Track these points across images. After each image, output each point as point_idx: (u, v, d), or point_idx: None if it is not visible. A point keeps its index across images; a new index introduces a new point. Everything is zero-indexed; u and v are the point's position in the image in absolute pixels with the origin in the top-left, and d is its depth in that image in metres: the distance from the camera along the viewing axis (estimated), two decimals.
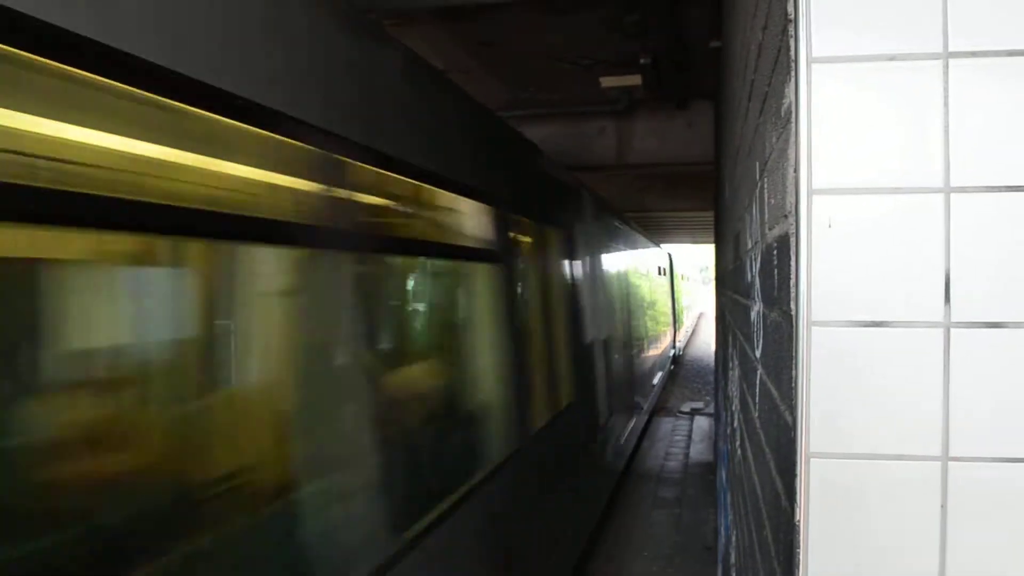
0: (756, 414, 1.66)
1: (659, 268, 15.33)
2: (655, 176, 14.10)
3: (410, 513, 1.97)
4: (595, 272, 5.40)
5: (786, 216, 1.10)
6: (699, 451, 11.16)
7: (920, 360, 0.92)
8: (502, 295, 2.91)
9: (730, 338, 3.45)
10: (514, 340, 3.01)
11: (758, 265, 1.64)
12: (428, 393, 2.40)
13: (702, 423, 13.30)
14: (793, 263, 1.02)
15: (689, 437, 12.21)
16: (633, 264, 9.26)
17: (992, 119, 0.91)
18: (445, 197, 2.49)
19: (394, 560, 1.80)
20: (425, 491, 2.16)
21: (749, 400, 1.96)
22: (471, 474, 2.51)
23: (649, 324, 10.81)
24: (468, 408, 2.72)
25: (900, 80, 0.93)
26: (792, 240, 1.03)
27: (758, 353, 1.64)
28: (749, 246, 1.95)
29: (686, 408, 15.11)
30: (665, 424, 13.51)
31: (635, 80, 7.22)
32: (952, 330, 0.92)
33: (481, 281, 2.81)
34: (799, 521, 0.96)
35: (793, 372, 1.01)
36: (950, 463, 0.92)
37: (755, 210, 1.70)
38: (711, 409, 13.54)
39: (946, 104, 0.92)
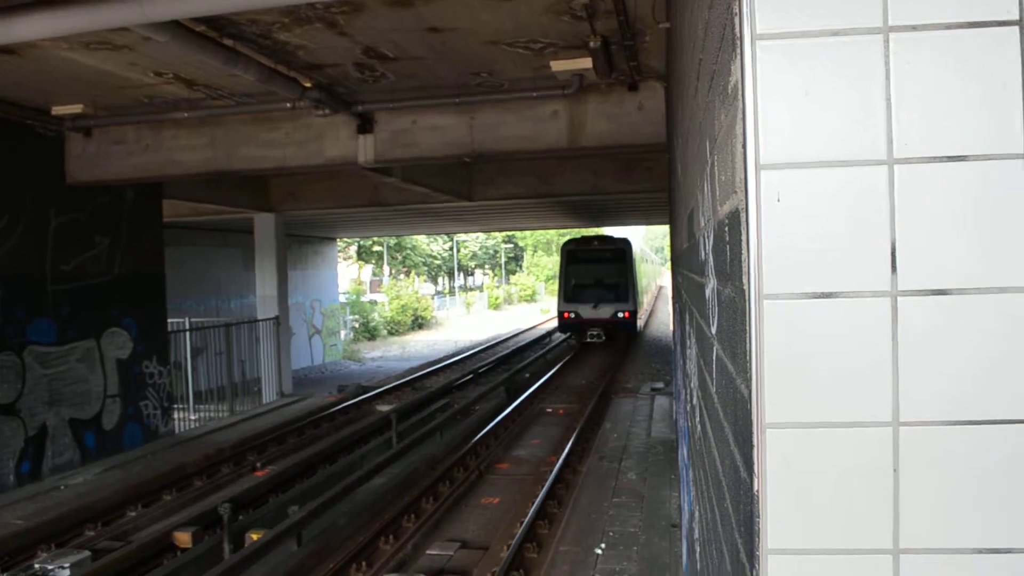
0: (714, 389, 1.68)
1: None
2: (608, 158, 14.17)
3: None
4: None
5: (736, 192, 1.11)
6: (660, 430, 11.31)
7: (869, 329, 0.94)
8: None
9: (687, 317, 3.48)
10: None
11: (711, 242, 1.65)
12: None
13: (663, 403, 13.48)
14: (744, 238, 1.03)
15: (650, 418, 12.37)
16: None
17: (933, 91, 0.93)
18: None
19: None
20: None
21: (707, 376, 1.99)
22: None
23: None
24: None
25: (843, 55, 0.94)
26: (742, 216, 1.04)
27: (713, 330, 1.66)
28: (702, 224, 1.97)
29: (646, 388, 15.30)
30: (626, 404, 13.68)
31: (585, 64, 7.21)
32: (899, 299, 0.94)
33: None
34: (758, 491, 0.97)
35: (747, 346, 1.02)
36: (901, 428, 0.94)
37: (707, 187, 1.72)
38: (672, 388, 13.71)
39: (888, 77, 0.93)
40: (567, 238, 27.52)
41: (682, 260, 4.14)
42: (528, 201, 16.25)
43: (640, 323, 26.53)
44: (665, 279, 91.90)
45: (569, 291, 22.04)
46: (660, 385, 15.48)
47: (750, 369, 1.00)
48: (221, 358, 14.24)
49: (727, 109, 1.19)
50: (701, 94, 1.85)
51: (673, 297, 8.45)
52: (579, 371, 19.17)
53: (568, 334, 23.43)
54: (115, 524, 7.79)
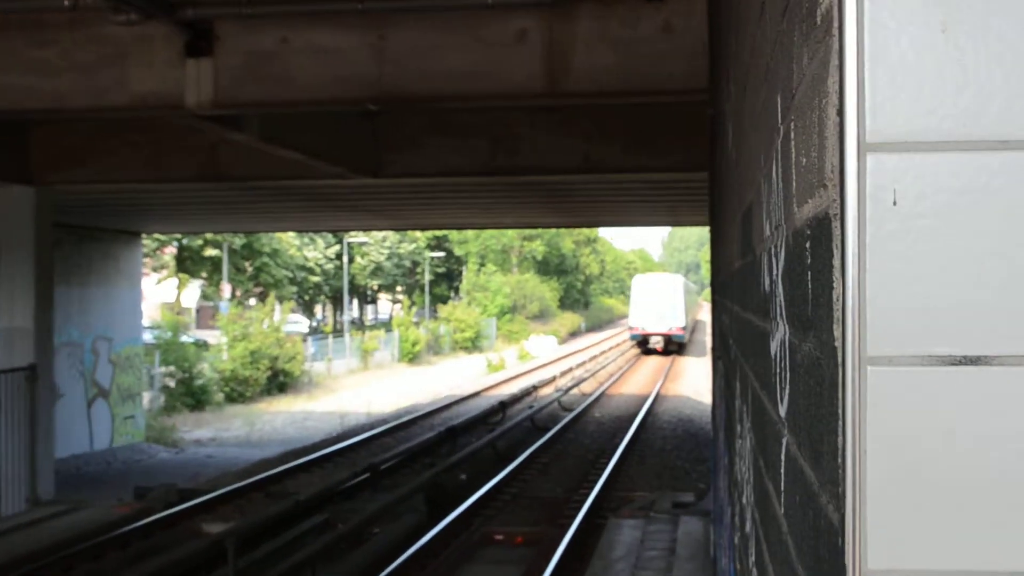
0: (782, 510, 1.70)
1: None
2: (611, 114, 14.30)
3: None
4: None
5: (825, 185, 1.13)
6: None
7: None
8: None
9: (737, 385, 3.52)
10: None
11: (781, 263, 1.68)
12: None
13: (693, 528, 13.52)
14: (837, 262, 1.05)
15: (672, 554, 12.39)
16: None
17: None
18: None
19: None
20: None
21: (768, 486, 2.01)
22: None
23: None
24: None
25: None
26: (834, 225, 1.06)
27: (782, 410, 1.68)
28: (767, 231, 2.00)
29: (665, 502, 15.37)
30: (630, 531, 13.68)
31: None
32: None
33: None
34: None
35: (838, 440, 1.04)
36: None
37: (776, 173, 1.75)
38: (708, 503, 13.78)
39: None
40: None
41: (730, 288, 4.19)
42: (474, 181, 16.28)
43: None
44: (703, 312, 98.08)
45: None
46: (688, 498, 15.56)
47: (842, 479, 1.02)
48: None
49: (812, 47, 1.22)
50: (770, 17, 1.89)
51: (714, 350, 8.51)
52: (554, 469, 19.12)
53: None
54: None
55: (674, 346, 56.85)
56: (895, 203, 0.99)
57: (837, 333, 1.05)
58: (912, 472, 0.98)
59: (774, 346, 1.83)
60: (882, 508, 0.98)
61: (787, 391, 1.60)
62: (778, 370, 1.75)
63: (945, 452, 0.98)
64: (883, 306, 0.99)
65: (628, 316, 63.53)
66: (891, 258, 0.99)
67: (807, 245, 1.30)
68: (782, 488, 1.70)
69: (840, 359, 1.03)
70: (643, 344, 57.70)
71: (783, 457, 1.67)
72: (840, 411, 1.03)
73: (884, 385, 0.99)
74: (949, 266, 0.98)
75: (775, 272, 1.79)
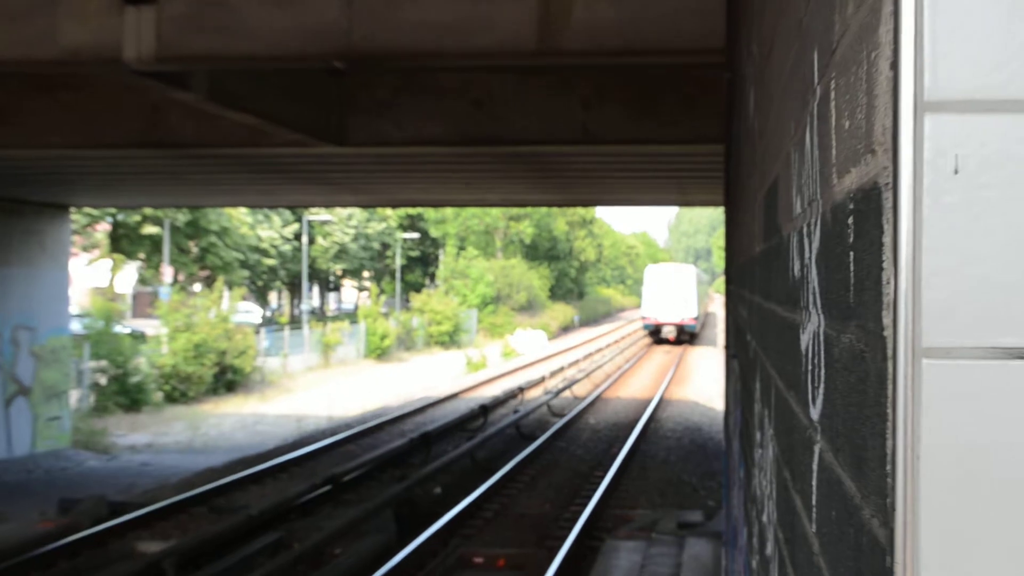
0: (813, 528, 1.70)
1: None
2: (613, 76, 14.30)
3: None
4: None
5: (873, 151, 1.13)
6: None
7: None
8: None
9: (757, 386, 3.52)
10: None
11: (815, 244, 1.68)
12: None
13: (701, 552, 13.57)
14: (887, 239, 1.04)
15: None
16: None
17: None
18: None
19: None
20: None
21: (797, 501, 2.01)
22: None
23: None
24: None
25: None
26: (885, 196, 1.06)
27: (815, 412, 1.68)
28: (797, 208, 2.00)
29: (669, 523, 15.41)
30: (627, 554, 13.72)
31: None
32: None
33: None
34: None
35: (887, 445, 1.03)
36: None
37: (810, 140, 1.75)
38: (719, 523, 13.84)
39: None
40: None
41: (750, 276, 4.19)
42: (453, 151, 16.26)
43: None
44: (714, 304, 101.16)
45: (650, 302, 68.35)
46: (696, 517, 15.61)
47: (891, 489, 1.02)
48: None
49: None
50: None
51: (727, 348, 8.53)
52: (542, 482, 19.15)
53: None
54: None
55: (686, 336, 65.72)
56: (956, 171, 0.98)
57: (887, 321, 1.04)
58: (973, 480, 0.98)
59: (805, 340, 1.83)
60: (938, 522, 0.98)
61: (821, 391, 1.60)
62: (810, 367, 1.75)
63: (1012, 458, 0.98)
64: (941, 290, 0.98)
65: (640, 306, 75.98)
66: (951, 234, 0.98)
67: (849, 221, 1.29)
68: (813, 503, 1.70)
69: (889, 351, 1.03)
70: (655, 334, 67.04)
71: (815, 467, 1.67)
72: (889, 411, 1.03)
73: (941, 381, 0.98)
74: (1018, 243, 0.98)
75: (807, 254, 1.79)
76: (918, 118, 0.99)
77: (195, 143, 15.81)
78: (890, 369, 1.02)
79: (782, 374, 2.41)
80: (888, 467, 1.03)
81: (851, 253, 1.28)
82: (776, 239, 2.59)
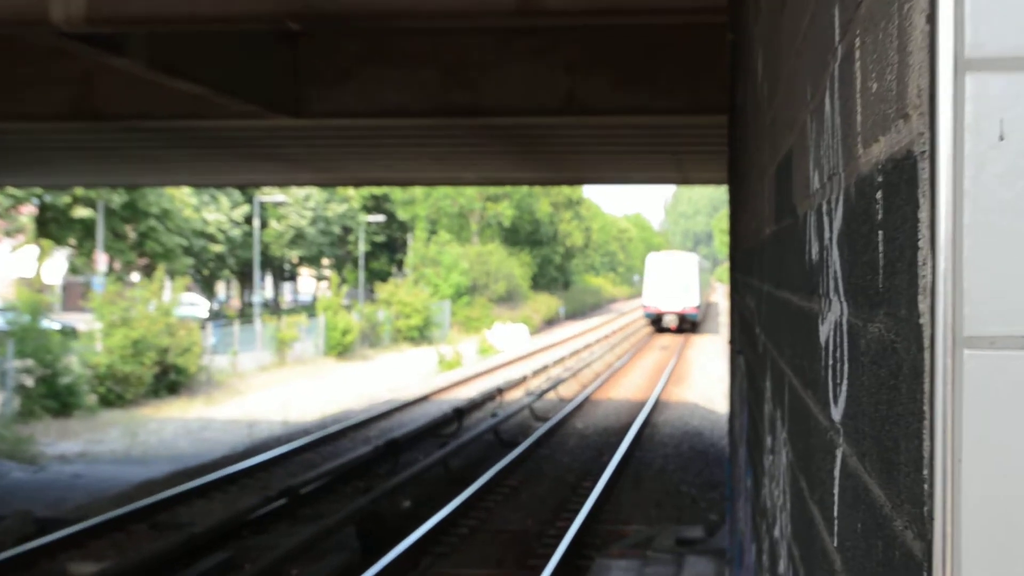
0: (834, 542, 1.70)
1: None
2: (600, 37, 14.31)
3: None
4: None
5: (907, 115, 1.12)
6: None
7: None
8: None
9: (767, 385, 3.52)
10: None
11: (836, 222, 1.67)
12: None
13: (702, 571, 13.61)
14: (924, 214, 1.04)
15: None
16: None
17: None
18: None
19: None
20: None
21: (815, 512, 2.01)
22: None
23: None
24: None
25: None
26: (921, 166, 1.05)
27: (837, 412, 1.67)
28: (815, 184, 1.99)
29: (667, 540, 15.45)
30: (621, 574, 13.75)
31: None
32: None
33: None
34: None
35: (924, 447, 1.03)
36: None
37: (830, 106, 1.74)
38: (722, 539, 13.89)
39: None
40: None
41: (758, 261, 4.19)
42: (423, 123, 16.28)
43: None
44: (716, 294, 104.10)
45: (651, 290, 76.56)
46: (696, 533, 15.65)
47: (928, 497, 1.01)
48: None
49: None
50: None
51: (732, 343, 8.55)
52: (524, 494, 19.17)
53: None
54: None
55: (687, 324, 72.24)
56: (1002, 138, 0.98)
57: (923, 307, 1.03)
58: (1022, 485, 0.98)
59: (825, 331, 1.83)
60: (982, 533, 0.98)
61: (844, 387, 1.60)
62: (831, 361, 1.74)
63: None
64: (985, 271, 0.98)
65: (632, 296, 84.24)
66: (996, 208, 0.98)
67: (877, 196, 1.29)
68: (835, 514, 1.70)
69: (926, 341, 1.02)
70: (657, 322, 73.84)
71: (837, 473, 1.67)
72: (926, 408, 1.02)
73: (985, 373, 0.98)
74: None
75: (827, 235, 1.79)
76: (958, 78, 0.98)
77: (133, 115, 15.78)
78: (927, 361, 1.02)
79: (797, 371, 2.41)
80: (924, 472, 1.03)
81: (880, 232, 1.27)
82: (790, 219, 2.59)
